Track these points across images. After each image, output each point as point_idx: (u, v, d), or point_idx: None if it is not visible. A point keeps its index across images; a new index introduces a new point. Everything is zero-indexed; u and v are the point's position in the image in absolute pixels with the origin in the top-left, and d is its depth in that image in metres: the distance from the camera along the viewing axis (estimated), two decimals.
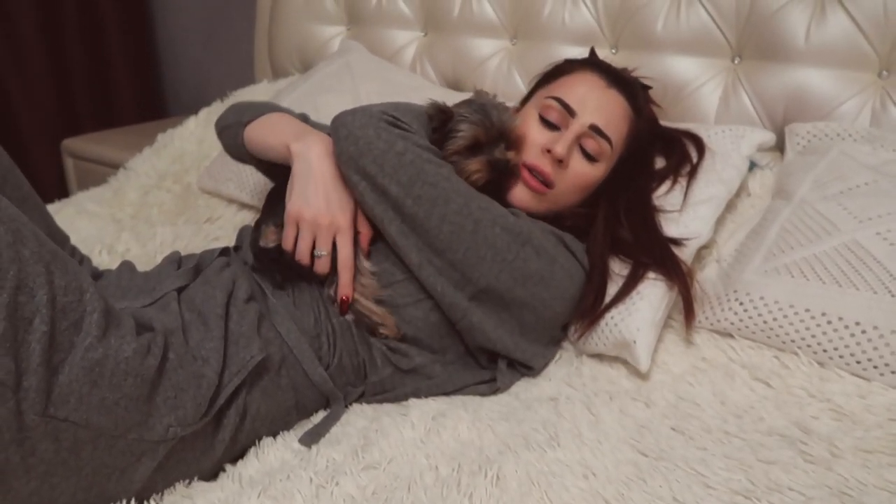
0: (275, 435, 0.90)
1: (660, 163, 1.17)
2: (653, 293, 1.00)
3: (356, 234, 0.98)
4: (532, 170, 1.03)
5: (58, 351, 0.70)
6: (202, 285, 0.94)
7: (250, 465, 0.84)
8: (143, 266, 1.10)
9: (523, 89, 1.42)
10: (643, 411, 0.91)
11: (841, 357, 0.92)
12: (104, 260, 1.35)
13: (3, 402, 0.66)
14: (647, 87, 1.17)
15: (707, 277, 1.08)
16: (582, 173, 1.05)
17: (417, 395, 0.97)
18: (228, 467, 0.85)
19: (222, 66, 2.60)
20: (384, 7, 1.82)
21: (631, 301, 0.99)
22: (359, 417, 0.93)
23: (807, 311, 0.94)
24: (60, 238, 1.11)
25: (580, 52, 1.25)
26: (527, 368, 1.02)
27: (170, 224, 1.51)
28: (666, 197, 1.12)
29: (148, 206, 1.59)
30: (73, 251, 1.12)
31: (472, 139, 0.99)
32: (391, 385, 0.98)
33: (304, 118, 1.16)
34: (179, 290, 0.94)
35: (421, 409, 0.91)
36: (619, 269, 1.04)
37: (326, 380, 0.93)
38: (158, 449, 0.77)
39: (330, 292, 0.97)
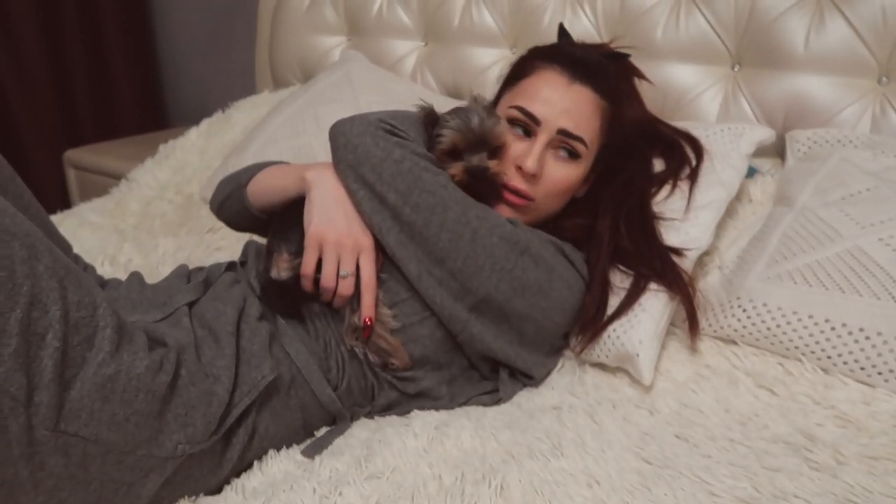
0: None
1: (659, 165, 1.16)
2: (654, 305, 0.99)
3: None
4: (509, 189, 1.01)
5: (70, 366, 0.70)
6: (212, 300, 0.94)
7: (254, 477, 0.83)
8: (146, 277, 1.10)
9: None
10: (647, 419, 0.91)
11: (845, 363, 0.91)
12: (107, 271, 1.35)
13: (14, 417, 0.66)
14: (624, 57, 1.11)
15: (710, 284, 1.08)
16: (559, 178, 1.02)
17: (422, 409, 0.96)
18: (232, 479, 0.84)
19: (223, 75, 2.61)
20: (384, 17, 1.83)
21: (633, 313, 0.99)
22: (361, 428, 0.92)
23: (810, 317, 0.94)
24: (64, 247, 1.11)
25: None
26: (528, 378, 1.01)
27: (172, 235, 1.51)
28: (666, 202, 1.11)
29: (150, 216, 1.59)
30: (77, 260, 1.12)
31: (450, 145, 0.97)
32: (397, 405, 0.98)
33: None
34: (190, 305, 0.94)
35: (423, 419, 0.91)
36: (619, 282, 1.03)
37: (335, 400, 0.92)
38: (167, 465, 0.77)
39: (354, 319, 0.94)
